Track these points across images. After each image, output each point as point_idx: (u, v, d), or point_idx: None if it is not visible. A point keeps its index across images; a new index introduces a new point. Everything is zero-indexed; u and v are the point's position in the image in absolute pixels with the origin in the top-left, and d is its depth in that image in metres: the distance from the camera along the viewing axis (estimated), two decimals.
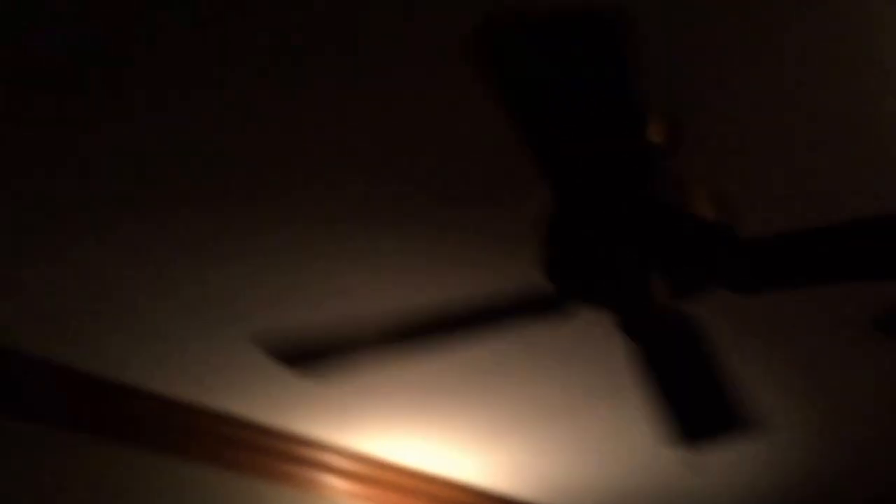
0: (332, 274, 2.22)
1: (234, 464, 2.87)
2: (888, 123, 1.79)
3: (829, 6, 1.55)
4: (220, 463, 2.84)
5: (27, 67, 1.66)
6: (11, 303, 2.31)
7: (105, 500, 2.61)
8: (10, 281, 2.23)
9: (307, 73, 1.68)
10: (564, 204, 1.65)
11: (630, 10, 1.57)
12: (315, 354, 2.07)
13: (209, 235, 2.09)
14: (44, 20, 1.58)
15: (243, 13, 1.57)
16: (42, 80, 1.69)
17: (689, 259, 1.65)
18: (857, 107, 1.76)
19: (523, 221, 2.00)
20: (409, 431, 2.94)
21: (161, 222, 2.04)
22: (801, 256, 1.68)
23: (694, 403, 2.00)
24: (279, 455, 2.95)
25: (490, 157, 1.86)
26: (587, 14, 1.20)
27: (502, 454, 3.09)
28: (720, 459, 3.09)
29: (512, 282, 2.13)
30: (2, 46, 1.62)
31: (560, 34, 1.24)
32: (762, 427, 2.93)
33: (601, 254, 1.64)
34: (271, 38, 1.61)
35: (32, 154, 1.86)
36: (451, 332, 1.86)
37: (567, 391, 2.69)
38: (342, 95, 1.73)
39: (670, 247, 1.63)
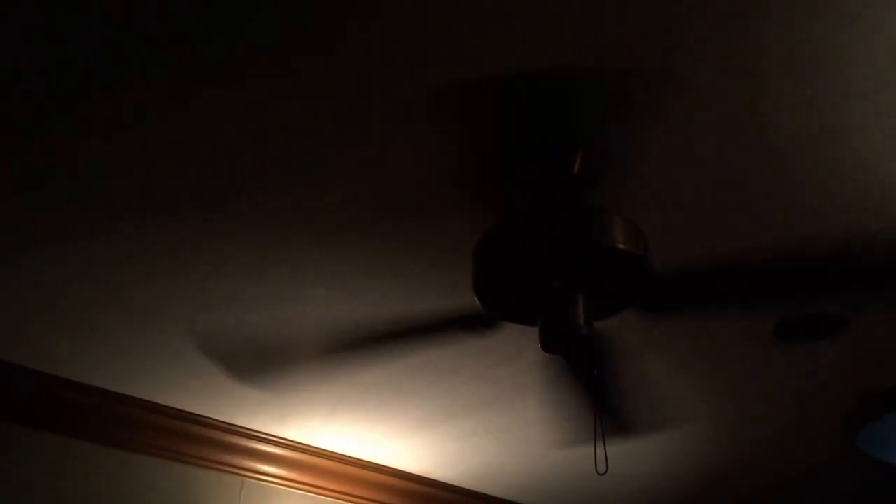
0: (276, 283, 2.36)
1: (176, 455, 2.99)
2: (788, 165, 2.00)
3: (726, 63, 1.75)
4: (164, 454, 2.97)
5: None
6: None
7: (55, 490, 2.74)
8: None
9: (264, 98, 1.82)
10: (495, 229, 1.83)
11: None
12: (255, 363, 2.23)
13: (158, 245, 2.21)
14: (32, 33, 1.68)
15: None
16: (16, 105, 1.80)
17: (604, 284, 1.84)
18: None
19: (458, 239, 2.15)
20: (344, 423, 3.10)
21: (111, 233, 2.16)
22: (701, 290, 1.89)
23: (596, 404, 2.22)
24: (219, 446, 3.08)
25: (429, 178, 2.01)
26: None
27: (429, 442, 3.26)
28: (637, 449, 3.32)
29: (446, 293, 2.30)
30: None
31: None
32: (659, 426, 3.17)
33: (527, 278, 1.81)
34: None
35: None
36: (388, 345, 2.04)
37: (488, 387, 2.86)
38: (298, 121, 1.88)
39: (587, 273, 1.81)
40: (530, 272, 1.80)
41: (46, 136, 1.87)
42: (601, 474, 1.93)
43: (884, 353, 2.75)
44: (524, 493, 3.70)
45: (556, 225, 1.78)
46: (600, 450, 1.94)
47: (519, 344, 2.49)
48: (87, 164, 1.95)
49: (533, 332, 2.02)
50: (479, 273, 1.84)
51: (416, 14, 1.62)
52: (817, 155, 1.96)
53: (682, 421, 3.16)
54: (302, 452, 3.24)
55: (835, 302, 2.45)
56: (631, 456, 3.34)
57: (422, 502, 3.53)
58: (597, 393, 1.96)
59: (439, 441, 3.24)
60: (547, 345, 1.80)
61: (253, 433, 3.12)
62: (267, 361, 2.28)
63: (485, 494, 3.68)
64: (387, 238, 2.20)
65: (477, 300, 1.86)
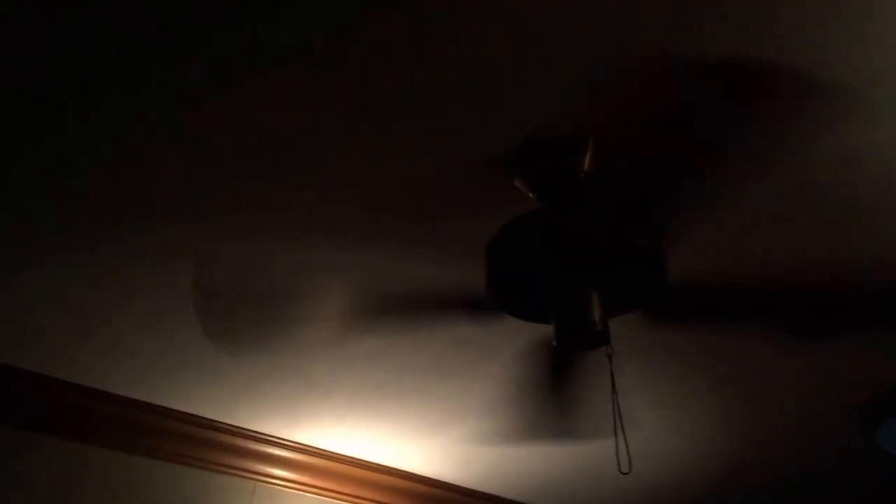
0: (286, 281, 2.34)
1: (188, 459, 2.98)
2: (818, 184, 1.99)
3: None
4: (176, 459, 2.96)
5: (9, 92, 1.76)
6: None
7: (68, 496, 2.73)
8: None
9: (280, 94, 1.81)
10: (507, 227, 1.82)
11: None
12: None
13: (169, 247, 2.20)
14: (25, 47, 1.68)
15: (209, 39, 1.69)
16: (25, 110, 1.79)
17: (619, 280, 1.82)
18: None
19: (466, 238, 2.14)
20: (354, 426, 3.08)
21: (121, 235, 2.15)
22: (711, 304, 1.89)
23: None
24: (230, 450, 3.08)
25: (437, 175, 2.00)
26: None
27: (440, 444, 3.25)
28: (649, 448, 3.31)
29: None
30: None
31: None
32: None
33: (541, 274, 1.80)
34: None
35: (9, 180, 1.96)
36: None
37: (498, 386, 2.85)
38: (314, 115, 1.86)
39: (602, 269, 1.80)
40: (544, 269, 1.78)
41: (54, 139, 1.87)
42: (625, 473, 1.92)
43: None
44: (536, 495, 3.69)
45: (569, 221, 1.77)
46: (622, 449, 1.92)
47: (529, 342, 2.47)
48: (96, 166, 1.94)
49: (543, 330, 2.01)
50: (492, 271, 1.82)
51: (417, 13, 1.61)
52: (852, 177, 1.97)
53: (693, 420, 3.14)
54: (313, 456, 3.23)
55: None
56: (642, 455, 3.33)
57: None
58: (614, 391, 1.95)
59: (450, 443, 3.22)
60: (562, 342, 1.79)
61: (264, 437, 3.11)
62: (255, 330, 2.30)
63: (497, 496, 3.67)
64: (394, 239, 2.19)
65: (492, 299, 1.84)
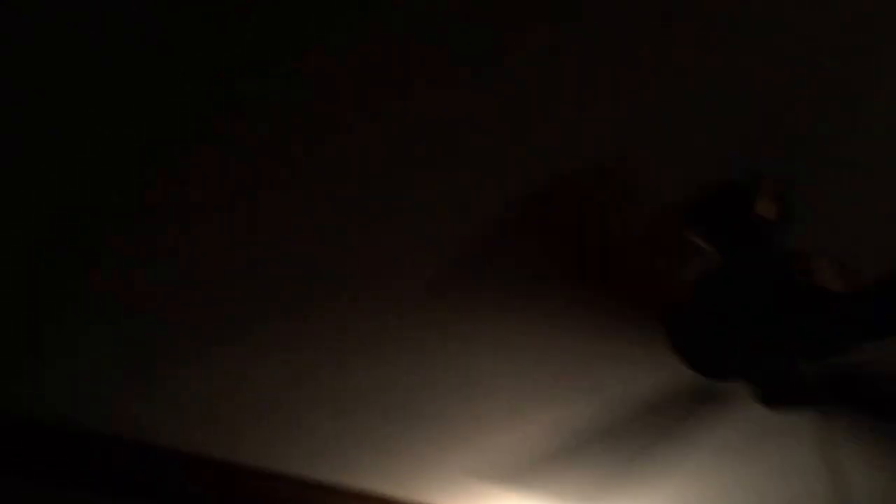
0: (462, 366, 2.36)
1: None
2: None
3: None
4: None
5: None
6: (167, 404, 2.50)
7: None
8: (160, 384, 2.42)
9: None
10: (697, 290, 1.75)
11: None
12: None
13: (334, 330, 2.24)
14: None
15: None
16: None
17: (824, 329, 1.72)
18: None
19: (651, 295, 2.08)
20: (529, 495, 3.02)
21: (289, 323, 2.20)
22: None
23: None
24: None
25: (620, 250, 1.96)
26: None
27: None
28: None
29: (656, 370, 2.22)
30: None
31: None
32: None
33: (738, 335, 1.72)
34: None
35: (184, 275, 2.04)
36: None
37: (692, 451, 2.73)
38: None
39: (803, 321, 1.70)
40: (740, 325, 1.70)
41: (220, 231, 1.92)
42: None
43: None
44: None
45: (762, 273, 1.69)
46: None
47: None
48: (260, 267, 1.99)
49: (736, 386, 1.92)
50: (682, 334, 1.75)
51: (565, 74, 1.58)
52: None
53: None
54: None
55: None
56: None
57: None
58: (828, 455, 1.84)
59: None
60: (769, 401, 1.70)
61: None
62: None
63: None
64: (569, 306, 2.15)
65: (687, 365, 1.77)
